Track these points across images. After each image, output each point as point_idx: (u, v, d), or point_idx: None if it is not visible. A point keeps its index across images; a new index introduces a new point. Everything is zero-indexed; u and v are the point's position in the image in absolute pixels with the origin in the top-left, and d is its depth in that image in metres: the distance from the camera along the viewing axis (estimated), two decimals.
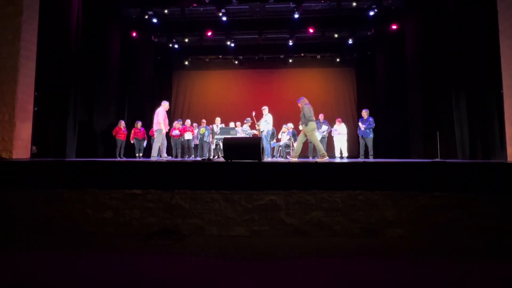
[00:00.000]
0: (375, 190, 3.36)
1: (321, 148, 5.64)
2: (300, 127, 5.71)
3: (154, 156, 6.29)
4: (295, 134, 8.62)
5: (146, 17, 9.55)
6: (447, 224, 3.27)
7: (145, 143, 8.89)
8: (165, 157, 6.61)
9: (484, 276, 2.25)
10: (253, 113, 8.19)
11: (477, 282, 2.14)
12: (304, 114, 5.54)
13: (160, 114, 6.38)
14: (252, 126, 8.44)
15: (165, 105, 6.56)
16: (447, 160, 4.06)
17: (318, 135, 8.23)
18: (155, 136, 6.52)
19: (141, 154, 8.77)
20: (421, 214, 3.31)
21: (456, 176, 3.37)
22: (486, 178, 3.34)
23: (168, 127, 6.50)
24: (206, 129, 9.25)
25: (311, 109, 5.64)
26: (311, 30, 10.07)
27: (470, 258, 2.67)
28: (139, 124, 8.83)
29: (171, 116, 11.45)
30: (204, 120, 9.71)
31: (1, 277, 2.23)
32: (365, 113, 7.81)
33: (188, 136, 8.99)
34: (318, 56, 11.83)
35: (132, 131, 8.74)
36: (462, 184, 3.34)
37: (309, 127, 5.53)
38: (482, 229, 3.24)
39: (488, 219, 3.24)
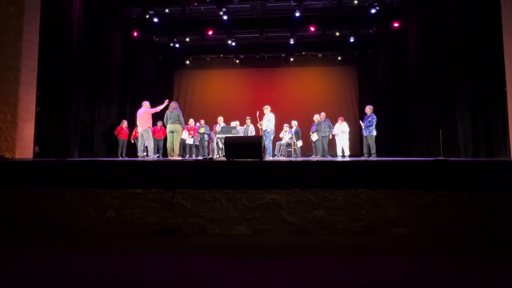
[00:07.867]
0: (377, 189, 3.35)
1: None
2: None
3: (152, 155, 6.75)
4: (298, 132, 8.58)
5: (147, 16, 9.56)
6: (450, 222, 3.25)
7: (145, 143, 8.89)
8: (151, 156, 6.88)
9: (487, 275, 2.24)
10: (257, 113, 8.16)
11: (481, 281, 2.12)
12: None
13: (142, 114, 6.70)
14: (255, 126, 8.42)
15: (145, 105, 6.85)
16: (450, 158, 4.03)
17: (314, 135, 8.21)
18: (144, 136, 6.77)
19: (145, 153, 8.79)
20: (424, 213, 3.29)
21: (459, 174, 3.35)
22: (489, 176, 3.31)
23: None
24: (206, 129, 9.26)
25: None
26: (312, 29, 10.02)
27: (473, 257, 2.65)
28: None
29: None
30: (202, 120, 9.71)
31: (4, 276, 2.24)
32: (368, 109, 7.52)
33: (189, 141, 9.00)
34: (320, 55, 11.78)
35: (134, 131, 8.74)
36: (465, 182, 3.32)
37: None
38: (486, 227, 3.21)
39: (492, 218, 3.22)
